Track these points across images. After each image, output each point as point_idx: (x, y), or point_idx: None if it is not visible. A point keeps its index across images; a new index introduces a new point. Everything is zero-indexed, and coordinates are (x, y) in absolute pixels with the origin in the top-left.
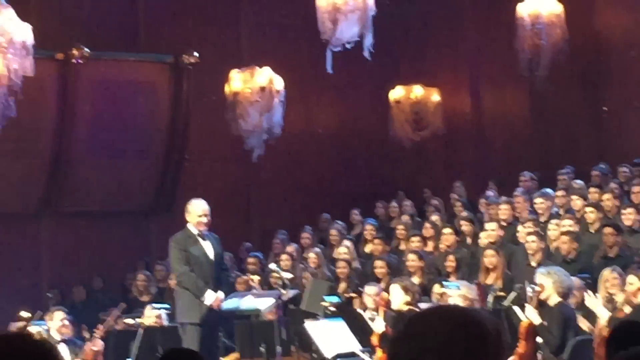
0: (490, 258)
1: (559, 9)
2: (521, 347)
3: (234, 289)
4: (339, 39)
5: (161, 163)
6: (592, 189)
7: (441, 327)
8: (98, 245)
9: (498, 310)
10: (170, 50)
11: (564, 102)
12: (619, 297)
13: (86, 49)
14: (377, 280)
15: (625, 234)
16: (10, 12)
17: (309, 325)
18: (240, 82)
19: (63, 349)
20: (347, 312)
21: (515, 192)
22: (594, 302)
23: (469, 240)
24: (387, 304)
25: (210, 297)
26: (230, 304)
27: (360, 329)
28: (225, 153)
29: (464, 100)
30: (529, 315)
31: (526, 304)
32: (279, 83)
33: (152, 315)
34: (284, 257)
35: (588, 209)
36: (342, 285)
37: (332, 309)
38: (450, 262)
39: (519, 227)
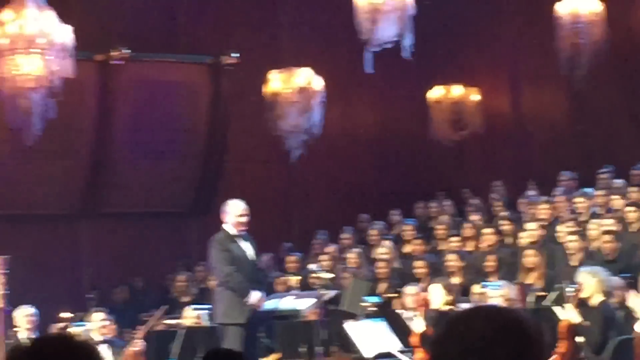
0: (530, 258)
1: (599, 7)
2: (562, 347)
3: (274, 289)
4: (378, 39)
5: (200, 164)
6: (632, 188)
7: (484, 327)
8: (138, 246)
9: (538, 310)
10: (210, 51)
11: (604, 101)
12: None
13: (126, 50)
14: (417, 280)
15: None
16: (50, 14)
17: (349, 326)
18: (280, 82)
19: (104, 350)
20: (387, 313)
21: (555, 191)
22: (637, 301)
23: (509, 240)
24: (427, 303)
25: (254, 297)
26: (271, 304)
27: (400, 329)
28: (264, 154)
29: (503, 100)
30: (568, 315)
31: (565, 304)
32: (318, 83)
33: (193, 316)
34: (323, 257)
35: (628, 209)
36: (382, 286)
37: (372, 309)
38: (491, 262)
39: (559, 227)
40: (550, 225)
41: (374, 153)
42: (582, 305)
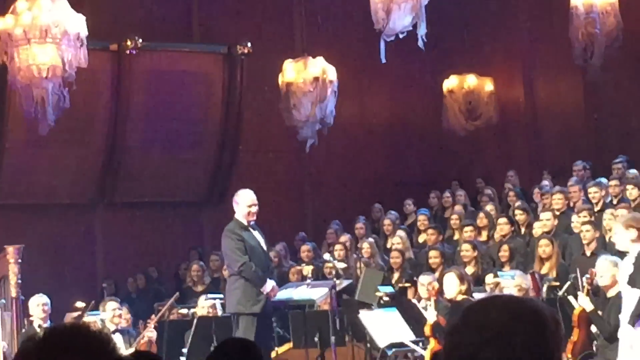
0: (544, 248)
1: None
2: (574, 335)
3: (288, 279)
4: (392, 29)
5: (215, 153)
6: None
7: (499, 317)
8: (152, 236)
9: (553, 300)
10: (224, 41)
11: (618, 91)
12: None
13: (140, 40)
14: (431, 270)
15: None
16: (64, 4)
17: (363, 315)
18: (294, 72)
19: (117, 339)
20: (400, 302)
21: (569, 181)
22: None
23: (523, 230)
24: (438, 293)
25: (269, 285)
26: (284, 294)
27: (414, 319)
28: (278, 143)
29: (517, 90)
30: (582, 303)
31: (578, 292)
32: (332, 73)
33: (206, 305)
34: (337, 247)
35: None
36: (396, 275)
37: (386, 298)
38: (505, 252)
39: (574, 217)
40: (564, 215)
41: (388, 143)
42: (599, 294)
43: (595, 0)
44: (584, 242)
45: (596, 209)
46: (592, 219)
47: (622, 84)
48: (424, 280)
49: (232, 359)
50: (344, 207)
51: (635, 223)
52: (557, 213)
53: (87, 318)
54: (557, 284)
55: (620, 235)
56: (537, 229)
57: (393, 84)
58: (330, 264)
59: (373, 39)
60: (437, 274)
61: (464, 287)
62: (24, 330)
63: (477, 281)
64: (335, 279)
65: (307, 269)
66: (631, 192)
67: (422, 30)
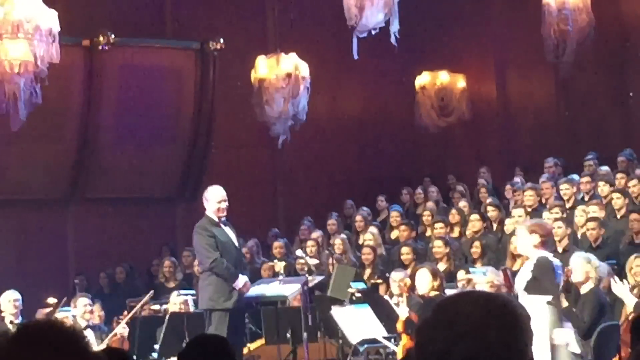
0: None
1: None
2: None
3: (260, 275)
4: (364, 25)
5: (187, 149)
6: (618, 175)
7: (472, 312)
8: (124, 231)
9: None
10: (197, 37)
11: (590, 88)
12: None
13: (112, 36)
14: (403, 266)
15: None
16: None
17: (335, 312)
18: (266, 68)
19: (88, 335)
20: (373, 298)
21: (541, 178)
22: (621, 288)
23: (495, 226)
24: (410, 289)
25: (241, 281)
26: (256, 290)
27: (386, 315)
28: (251, 139)
29: (489, 86)
30: None
31: None
32: (304, 69)
33: (178, 301)
34: (310, 243)
35: (615, 195)
36: (368, 272)
37: (358, 295)
38: (477, 248)
39: (545, 213)
40: (536, 212)
41: (360, 139)
42: (569, 291)
43: None
44: (556, 238)
45: (568, 205)
46: (564, 215)
47: (594, 81)
48: (396, 276)
49: (204, 355)
50: (316, 203)
51: (540, 229)
52: (529, 210)
53: (59, 314)
54: None
55: (523, 239)
56: (509, 225)
57: (365, 80)
58: (302, 260)
59: (346, 36)
60: (409, 270)
61: (436, 283)
62: None
63: (449, 277)
64: (307, 276)
65: (280, 265)
66: (602, 188)
67: (394, 27)
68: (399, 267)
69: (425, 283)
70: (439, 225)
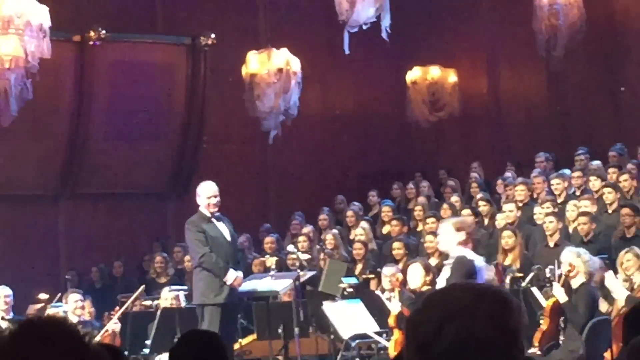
0: (507, 239)
1: None
2: (545, 324)
3: (251, 270)
4: (356, 20)
5: (178, 145)
6: (610, 170)
7: (462, 295)
8: (115, 227)
9: (516, 291)
10: (188, 32)
11: (582, 83)
12: (637, 278)
13: (103, 31)
14: (395, 261)
15: None
16: None
17: (327, 307)
18: (258, 63)
19: None
20: (364, 294)
21: (532, 173)
22: (614, 282)
23: (486, 221)
24: (402, 284)
25: (232, 276)
26: (248, 285)
27: (378, 310)
28: (242, 135)
29: (481, 81)
30: (557, 294)
31: (554, 282)
32: (296, 64)
33: (170, 297)
34: (301, 238)
35: (606, 190)
36: (359, 267)
37: (350, 290)
38: None
39: (537, 208)
40: (527, 207)
41: (352, 134)
42: (565, 285)
43: None
44: (547, 233)
45: (559, 200)
46: (555, 210)
47: (586, 76)
48: (387, 271)
49: (196, 350)
50: (308, 198)
51: (467, 227)
52: (520, 204)
53: (50, 310)
54: (521, 275)
55: (448, 235)
56: (500, 220)
57: (357, 75)
58: (293, 256)
59: (337, 31)
60: (400, 265)
61: (428, 278)
62: None
63: (441, 272)
64: (299, 271)
65: (271, 261)
66: (594, 183)
67: (386, 22)
68: (390, 262)
69: (417, 278)
70: (430, 220)
